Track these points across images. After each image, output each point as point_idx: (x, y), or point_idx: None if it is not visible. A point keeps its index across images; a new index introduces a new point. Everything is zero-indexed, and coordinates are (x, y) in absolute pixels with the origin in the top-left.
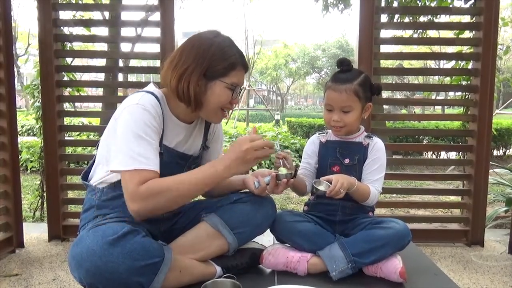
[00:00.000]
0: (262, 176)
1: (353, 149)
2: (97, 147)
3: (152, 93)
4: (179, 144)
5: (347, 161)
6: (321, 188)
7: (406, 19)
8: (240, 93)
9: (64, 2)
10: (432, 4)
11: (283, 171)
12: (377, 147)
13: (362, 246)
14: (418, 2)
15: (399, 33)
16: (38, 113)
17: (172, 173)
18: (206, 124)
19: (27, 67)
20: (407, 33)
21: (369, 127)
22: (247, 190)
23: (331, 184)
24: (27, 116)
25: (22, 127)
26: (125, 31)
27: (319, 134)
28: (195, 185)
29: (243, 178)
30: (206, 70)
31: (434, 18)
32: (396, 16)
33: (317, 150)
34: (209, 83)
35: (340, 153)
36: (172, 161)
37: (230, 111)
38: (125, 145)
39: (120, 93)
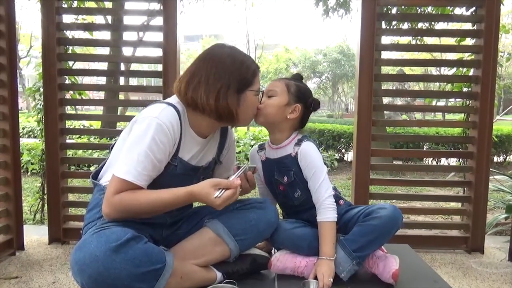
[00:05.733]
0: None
1: (287, 165)
2: (111, 149)
3: (175, 107)
4: (193, 157)
5: (285, 179)
6: (312, 287)
7: (406, 26)
8: None
9: (67, 6)
10: (433, 11)
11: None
12: (304, 154)
13: (360, 240)
14: (417, 9)
15: (400, 39)
16: (40, 115)
17: (182, 184)
18: (222, 139)
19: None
20: (407, 39)
21: (370, 133)
22: (248, 197)
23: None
24: (28, 118)
25: (23, 129)
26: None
27: (259, 150)
28: (163, 207)
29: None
30: (238, 84)
31: (435, 25)
32: (397, 23)
33: (260, 165)
34: (241, 95)
35: (278, 173)
36: (185, 173)
37: None
38: (129, 154)
39: (121, 96)
